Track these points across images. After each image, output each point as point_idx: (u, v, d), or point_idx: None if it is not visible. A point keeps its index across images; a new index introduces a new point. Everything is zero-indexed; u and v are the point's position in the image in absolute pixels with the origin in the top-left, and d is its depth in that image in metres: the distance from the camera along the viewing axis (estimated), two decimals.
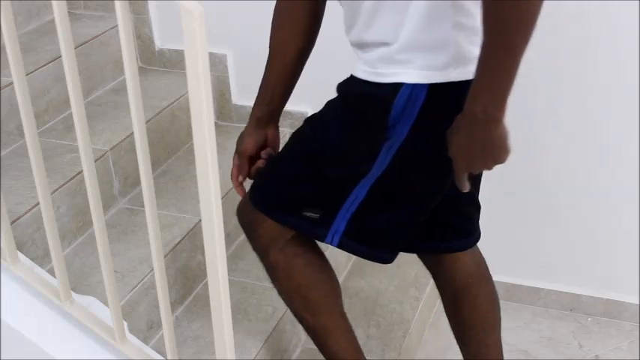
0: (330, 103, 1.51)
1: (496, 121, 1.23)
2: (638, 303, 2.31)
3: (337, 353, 1.66)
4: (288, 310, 1.92)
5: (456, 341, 1.91)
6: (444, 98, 1.32)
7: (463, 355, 1.83)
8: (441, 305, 2.43)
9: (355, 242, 1.49)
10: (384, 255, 1.53)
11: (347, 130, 1.43)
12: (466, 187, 1.35)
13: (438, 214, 1.54)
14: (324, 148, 1.45)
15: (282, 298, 1.65)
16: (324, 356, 1.69)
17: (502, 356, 1.86)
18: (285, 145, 1.56)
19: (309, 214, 1.47)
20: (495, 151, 1.31)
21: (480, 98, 1.21)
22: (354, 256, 2.39)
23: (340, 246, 1.49)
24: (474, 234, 1.70)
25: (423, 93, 1.31)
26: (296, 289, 1.59)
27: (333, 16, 2.25)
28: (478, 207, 1.69)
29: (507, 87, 1.21)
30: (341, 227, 1.46)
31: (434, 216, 1.53)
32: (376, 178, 1.40)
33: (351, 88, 1.43)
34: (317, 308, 1.62)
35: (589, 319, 2.37)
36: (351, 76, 1.43)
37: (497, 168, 2.35)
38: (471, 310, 1.78)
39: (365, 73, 1.38)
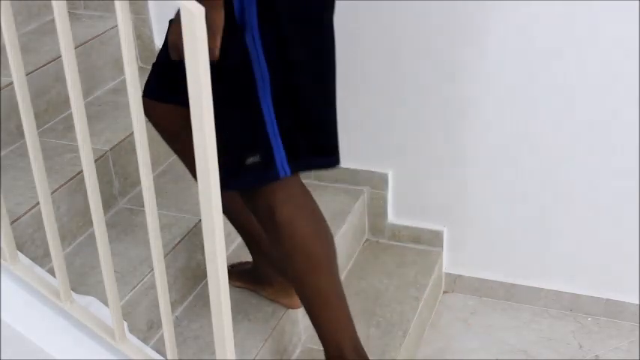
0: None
1: (209, 6, 1.23)
2: (638, 303, 2.31)
3: (332, 320, 1.67)
4: (288, 310, 1.93)
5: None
6: None
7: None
8: (441, 305, 2.44)
9: (303, 160, 1.51)
10: (334, 159, 1.57)
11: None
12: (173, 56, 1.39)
13: None
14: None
15: (285, 261, 1.64)
16: (317, 323, 1.69)
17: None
18: None
19: (251, 160, 1.47)
20: None
21: None
22: (354, 256, 2.39)
23: (295, 171, 1.51)
24: None
25: None
26: (299, 244, 1.58)
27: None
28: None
29: None
30: (282, 154, 1.48)
31: None
32: (269, 82, 1.42)
33: None
34: (318, 266, 1.61)
35: (589, 319, 2.37)
36: None
37: (498, 168, 2.36)
38: None
39: None
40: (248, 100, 1.44)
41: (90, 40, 2.22)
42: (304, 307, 1.70)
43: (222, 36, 1.35)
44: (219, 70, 1.34)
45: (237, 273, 1.97)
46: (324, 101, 1.56)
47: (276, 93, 1.44)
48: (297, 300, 1.90)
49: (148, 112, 1.55)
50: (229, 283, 1.32)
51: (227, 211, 1.75)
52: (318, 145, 1.55)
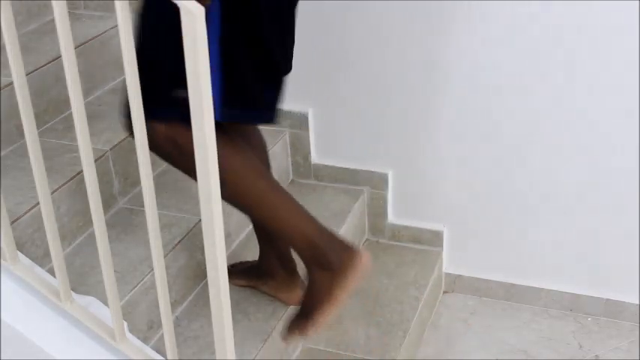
0: None
1: None
2: (638, 303, 2.31)
3: (284, 216, 1.61)
4: (289, 310, 1.93)
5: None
6: None
7: None
8: (441, 305, 2.44)
9: (237, 109, 1.49)
10: (269, 114, 1.57)
11: None
12: None
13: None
14: (150, 16, 1.43)
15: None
16: (274, 228, 1.65)
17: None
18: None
19: (179, 93, 1.43)
20: None
21: None
22: None
23: (226, 119, 1.49)
24: None
25: None
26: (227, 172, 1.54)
27: (332, 17, 2.26)
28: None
29: None
30: (217, 97, 1.45)
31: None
32: (219, 23, 1.39)
33: None
34: (237, 176, 1.56)
35: (589, 319, 2.37)
36: None
37: (498, 168, 2.36)
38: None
39: None
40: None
41: (90, 40, 2.22)
42: (253, 219, 1.69)
43: None
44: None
45: (238, 272, 1.97)
46: (281, 51, 1.52)
47: (225, 34, 1.40)
48: (297, 296, 1.90)
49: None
50: (230, 282, 1.32)
51: (241, 198, 1.71)
52: (255, 97, 1.51)
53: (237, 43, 1.46)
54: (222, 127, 1.55)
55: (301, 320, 1.65)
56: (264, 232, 1.88)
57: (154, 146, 1.52)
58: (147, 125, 1.42)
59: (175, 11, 1.33)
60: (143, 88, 1.39)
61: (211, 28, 1.39)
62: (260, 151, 1.84)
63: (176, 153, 1.56)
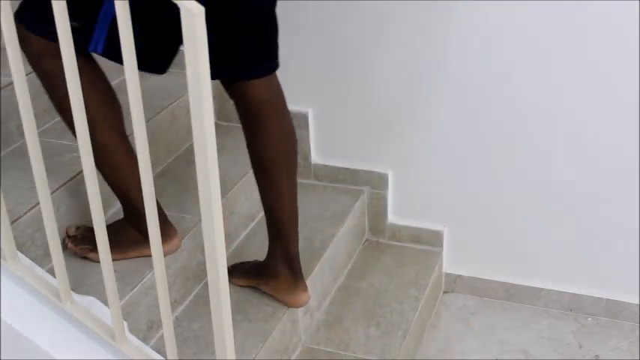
0: None
1: None
2: (638, 303, 2.31)
3: (115, 172, 1.71)
4: (289, 310, 1.93)
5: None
6: None
7: (261, 198, 1.86)
8: (441, 305, 2.44)
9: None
10: (158, 65, 1.62)
11: None
12: None
13: (228, 40, 1.61)
14: None
15: (55, 106, 1.69)
16: (107, 180, 1.73)
17: (295, 212, 1.87)
18: None
19: (72, 24, 1.39)
20: None
21: None
22: (354, 256, 2.39)
23: (105, 54, 1.54)
24: (267, 63, 1.74)
25: None
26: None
27: (332, 17, 2.26)
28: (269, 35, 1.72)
29: None
30: (104, 33, 1.50)
31: (226, 42, 1.60)
32: None
33: None
34: (94, 123, 1.53)
35: (589, 319, 2.37)
36: None
37: (498, 168, 2.36)
38: (263, 143, 1.78)
39: None
40: None
41: None
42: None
43: None
44: None
45: (238, 272, 1.97)
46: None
47: None
48: (299, 299, 1.90)
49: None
50: (232, 282, 1.32)
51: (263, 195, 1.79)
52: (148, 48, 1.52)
53: None
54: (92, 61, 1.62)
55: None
56: (274, 223, 1.87)
57: (24, 50, 1.58)
58: (21, 30, 1.46)
59: None
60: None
61: None
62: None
63: (37, 68, 1.63)
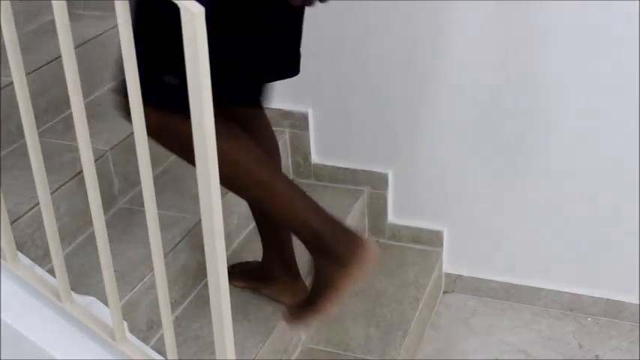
0: None
1: None
2: (638, 303, 2.31)
3: (287, 205, 1.58)
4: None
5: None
6: None
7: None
8: (441, 305, 2.44)
9: (225, 91, 1.43)
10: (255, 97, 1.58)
11: None
12: None
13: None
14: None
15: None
16: (277, 217, 1.62)
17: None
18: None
19: (169, 80, 1.40)
20: None
21: None
22: None
23: (217, 104, 1.47)
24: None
25: None
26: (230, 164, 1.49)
27: (332, 17, 2.26)
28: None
29: None
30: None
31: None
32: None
33: None
34: (243, 162, 1.54)
35: (589, 319, 2.37)
36: None
37: (498, 168, 2.36)
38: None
39: None
40: (173, 14, 1.41)
41: (90, 40, 2.22)
42: (258, 211, 1.65)
43: None
44: None
45: (239, 273, 1.97)
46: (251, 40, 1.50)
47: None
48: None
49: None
50: (231, 283, 1.31)
51: (239, 184, 1.68)
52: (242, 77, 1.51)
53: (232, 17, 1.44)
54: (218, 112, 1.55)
55: (305, 308, 1.62)
56: (268, 236, 1.88)
57: (150, 132, 1.53)
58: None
59: None
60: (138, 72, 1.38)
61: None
62: (268, 145, 1.80)
63: (168, 141, 1.53)
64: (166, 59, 1.40)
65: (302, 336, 2.03)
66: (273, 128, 2.38)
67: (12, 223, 1.60)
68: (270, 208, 1.59)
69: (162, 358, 1.52)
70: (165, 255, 1.76)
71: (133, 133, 1.17)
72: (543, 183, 2.26)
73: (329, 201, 2.38)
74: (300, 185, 2.48)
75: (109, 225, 1.76)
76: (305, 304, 1.64)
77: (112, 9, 1.09)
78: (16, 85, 1.31)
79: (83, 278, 1.72)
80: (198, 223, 1.92)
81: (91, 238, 1.55)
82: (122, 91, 1.45)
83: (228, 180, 1.51)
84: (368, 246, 1.60)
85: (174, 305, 1.83)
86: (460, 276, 2.48)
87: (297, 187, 1.60)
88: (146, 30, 1.42)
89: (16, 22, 1.30)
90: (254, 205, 1.64)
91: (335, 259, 1.56)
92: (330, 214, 1.60)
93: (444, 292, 2.50)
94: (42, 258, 1.71)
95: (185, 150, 1.47)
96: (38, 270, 1.57)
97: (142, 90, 1.35)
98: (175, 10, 1.34)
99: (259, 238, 1.99)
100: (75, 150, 1.49)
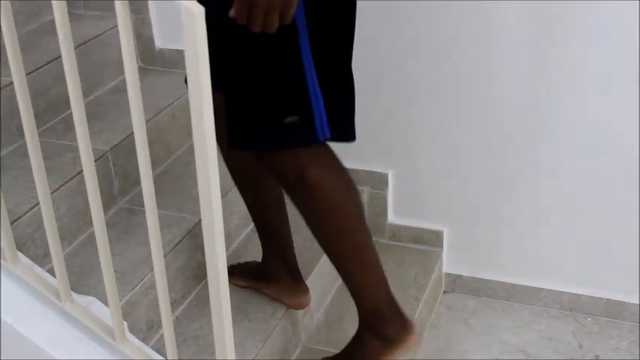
0: None
1: None
2: (638, 303, 2.31)
3: (367, 274, 1.64)
4: (288, 310, 1.93)
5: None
6: None
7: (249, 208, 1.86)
8: (441, 305, 2.44)
9: (341, 128, 1.49)
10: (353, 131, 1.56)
11: None
12: (240, 19, 1.27)
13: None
14: (245, 39, 1.38)
15: (312, 226, 1.59)
16: (352, 280, 1.64)
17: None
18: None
19: (289, 120, 1.43)
20: None
21: None
22: None
23: (336, 138, 1.49)
24: None
25: None
26: (331, 203, 1.54)
27: None
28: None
29: None
30: (323, 116, 1.44)
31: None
32: (308, 37, 1.38)
33: None
34: (352, 223, 1.58)
35: (589, 319, 2.37)
36: None
37: (498, 168, 2.36)
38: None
39: None
40: (289, 54, 1.39)
41: (90, 40, 2.22)
42: (336, 267, 1.64)
43: None
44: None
45: (239, 273, 1.97)
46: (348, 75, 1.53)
47: (316, 52, 1.39)
48: (300, 300, 1.90)
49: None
50: (232, 283, 1.32)
51: (249, 199, 1.77)
52: (352, 112, 1.53)
53: (327, 56, 1.45)
54: (331, 158, 1.56)
55: None
56: (267, 233, 1.88)
57: (286, 184, 1.56)
58: (271, 156, 1.48)
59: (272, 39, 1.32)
60: (252, 118, 1.42)
61: (303, 43, 1.39)
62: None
63: (305, 197, 1.55)
64: (283, 100, 1.43)
65: (302, 336, 2.03)
66: None
67: (12, 223, 1.60)
68: (350, 270, 1.64)
69: (162, 358, 1.52)
70: (165, 255, 1.76)
71: (133, 133, 1.17)
72: (543, 183, 2.27)
73: None
74: None
75: (109, 225, 1.77)
76: None
77: (112, 9, 1.09)
78: (16, 85, 1.31)
79: (83, 278, 1.72)
80: (198, 223, 1.92)
81: (91, 238, 1.55)
82: (232, 142, 1.50)
83: (326, 224, 1.56)
84: (415, 332, 1.65)
85: (174, 305, 1.83)
86: (460, 276, 2.48)
87: (379, 259, 1.66)
88: (257, 75, 1.43)
89: (16, 22, 1.30)
90: (334, 258, 1.64)
91: (383, 338, 1.62)
92: (392, 294, 1.66)
93: (444, 292, 2.50)
94: (42, 258, 1.71)
95: (324, 211, 1.55)
96: (38, 270, 1.57)
97: (264, 137, 1.43)
98: (291, 55, 1.36)
99: (259, 239, 1.99)
100: (75, 150, 1.49)
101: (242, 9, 1.25)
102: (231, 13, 1.26)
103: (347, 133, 1.54)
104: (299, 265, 1.91)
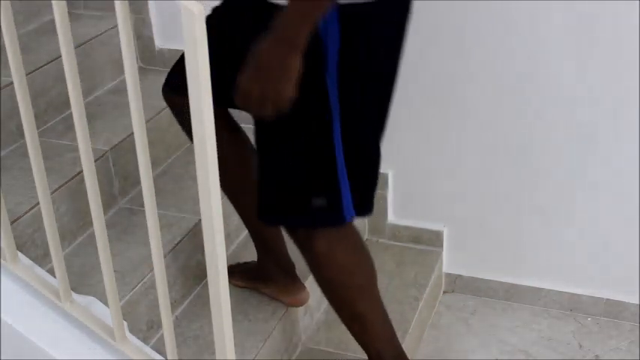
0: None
1: (291, 45, 1.23)
2: (638, 303, 2.31)
3: (373, 337, 1.68)
4: (288, 310, 1.93)
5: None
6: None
7: (241, 216, 1.88)
8: (441, 305, 2.44)
9: (363, 204, 1.52)
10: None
11: None
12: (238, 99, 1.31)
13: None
14: (281, 124, 1.40)
15: (324, 289, 1.65)
16: (358, 339, 1.70)
17: None
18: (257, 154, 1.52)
19: (317, 202, 1.46)
20: (279, 74, 1.26)
21: (286, 17, 1.22)
22: None
23: (360, 215, 1.53)
24: None
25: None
26: (338, 275, 1.59)
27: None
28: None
29: (313, 14, 1.22)
30: (349, 198, 1.47)
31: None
32: (339, 125, 1.40)
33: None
34: (358, 295, 1.62)
35: (589, 319, 2.37)
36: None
37: (498, 168, 2.35)
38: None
39: None
40: (320, 140, 1.42)
41: (90, 40, 2.22)
42: (345, 325, 1.70)
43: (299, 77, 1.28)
44: (294, 109, 1.32)
45: (239, 273, 1.97)
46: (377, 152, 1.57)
47: (345, 137, 1.43)
48: (298, 298, 1.90)
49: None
50: (231, 283, 1.32)
51: (238, 208, 1.79)
52: (374, 188, 1.58)
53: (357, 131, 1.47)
54: (353, 234, 1.59)
55: None
56: (259, 239, 1.89)
57: (315, 264, 1.60)
58: (304, 238, 1.53)
59: (301, 118, 1.36)
60: (281, 195, 1.46)
61: (335, 125, 1.41)
62: None
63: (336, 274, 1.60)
64: (311, 182, 1.46)
65: (302, 336, 2.03)
66: None
67: (12, 223, 1.60)
68: (359, 333, 1.68)
69: (162, 358, 1.52)
70: (165, 255, 1.76)
71: (133, 133, 1.17)
72: (543, 183, 2.26)
73: None
74: None
75: (109, 225, 1.77)
76: None
77: (112, 9, 1.10)
78: (16, 85, 1.31)
79: (83, 278, 1.72)
80: (198, 223, 1.92)
81: (91, 238, 1.55)
82: (261, 216, 1.54)
83: (334, 283, 1.61)
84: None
85: (174, 305, 1.83)
86: (460, 276, 2.48)
87: (387, 313, 1.70)
88: (288, 155, 1.46)
89: (16, 22, 1.30)
90: (341, 311, 1.69)
91: None
92: (400, 347, 1.72)
93: (444, 292, 2.50)
94: (42, 258, 1.71)
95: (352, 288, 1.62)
96: (38, 270, 1.57)
97: (292, 215, 1.47)
98: (323, 138, 1.39)
99: None
100: (75, 150, 1.49)
101: (239, 99, 1.30)
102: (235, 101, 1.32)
103: (368, 208, 1.58)
104: (297, 267, 1.91)
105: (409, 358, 1.76)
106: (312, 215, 1.48)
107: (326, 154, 1.42)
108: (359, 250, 1.62)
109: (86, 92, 2.18)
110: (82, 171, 1.30)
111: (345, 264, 1.58)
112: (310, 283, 1.98)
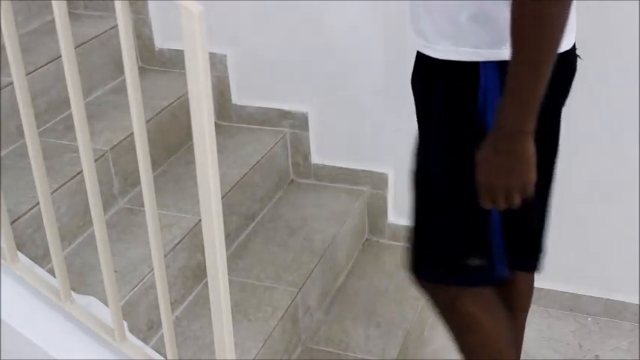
0: (423, 125, 1.52)
1: (521, 134, 1.25)
2: (638, 303, 2.31)
3: None
4: (288, 310, 1.92)
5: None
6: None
7: None
8: None
9: (513, 258, 1.53)
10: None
11: (449, 144, 1.43)
12: (486, 205, 1.34)
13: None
14: (444, 181, 1.43)
15: (462, 350, 1.63)
16: None
17: None
18: (415, 206, 1.53)
19: (471, 262, 1.47)
20: (519, 165, 1.29)
21: (506, 111, 1.24)
22: (354, 256, 2.39)
23: (512, 270, 1.54)
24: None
25: (496, 67, 1.31)
26: (481, 338, 1.58)
27: (333, 17, 2.26)
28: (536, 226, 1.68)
29: (532, 99, 1.22)
30: (503, 258, 1.47)
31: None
32: None
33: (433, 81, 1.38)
34: (498, 357, 1.60)
35: (589, 319, 2.37)
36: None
37: None
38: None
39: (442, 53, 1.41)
40: (478, 206, 1.41)
41: (90, 40, 2.23)
42: None
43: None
44: (454, 172, 1.34)
45: None
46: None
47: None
48: None
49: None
50: None
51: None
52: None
53: None
54: (492, 294, 1.57)
55: None
56: None
57: (441, 312, 1.62)
58: (434, 290, 1.55)
59: (461, 182, 1.36)
60: (429, 250, 1.49)
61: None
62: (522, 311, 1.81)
63: (458, 322, 1.59)
64: (470, 240, 1.46)
65: (302, 336, 2.03)
66: (273, 128, 2.38)
67: (12, 223, 1.60)
68: None
69: (162, 358, 1.52)
70: (165, 255, 1.76)
71: (133, 133, 1.17)
72: None
73: (329, 201, 2.38)
74: (300, 185, 2.48)
75: (109, 225, 1.77)
76: None
77: (112, 9, 1.10)
78: (16, 85, 1.31)
79: (83, 278, 1.73)
80: (198, 223, 1.92)
81: (91, 238, 1.55)
82: (413, 269, 1.58)
83: (468, 345, 1.60)
84: None
85: (174, 305, 1.83)
86: None
87: None
88: (449, 210, 1.46)
89: (16, 22, 1.31)
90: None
91: None
92: None
93: None
94: (42, 258, 1.71)
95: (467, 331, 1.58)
96: (38, 270, 1.57)
97: (444, 272, 1.49)
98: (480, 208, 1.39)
99: (259, 238, 1.98)
100: (75, 150, 1.49)
101: (485, 198, 1.32)
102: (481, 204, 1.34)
103: (529, 263, 1.60)
104: (300, 267, 1.90)
105: (409, 358, 1.74)
106: (464, 274, 1.49)
107: (481, 218, 1.43)
108: (498, 310, 1.59)
109: (86, 92, 2.18)
110: (82, 171, 1.30)
111: (487, 329, 1.56)
112: (310, 284, 1.99)
